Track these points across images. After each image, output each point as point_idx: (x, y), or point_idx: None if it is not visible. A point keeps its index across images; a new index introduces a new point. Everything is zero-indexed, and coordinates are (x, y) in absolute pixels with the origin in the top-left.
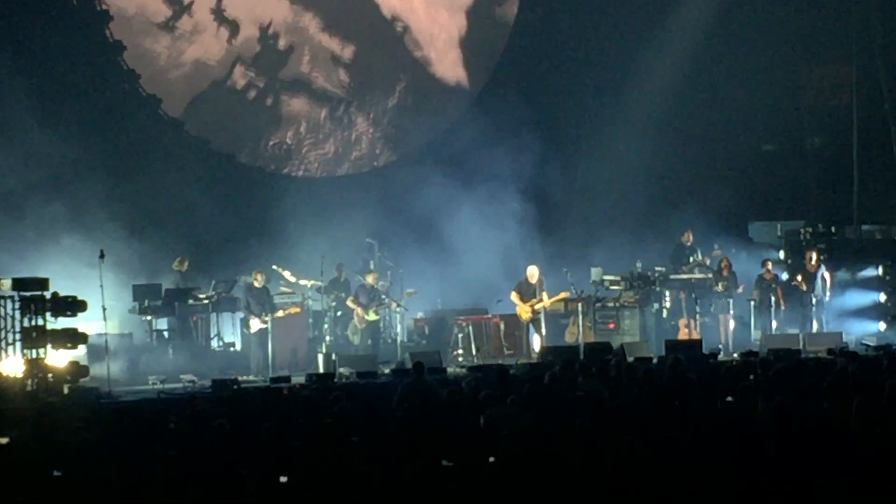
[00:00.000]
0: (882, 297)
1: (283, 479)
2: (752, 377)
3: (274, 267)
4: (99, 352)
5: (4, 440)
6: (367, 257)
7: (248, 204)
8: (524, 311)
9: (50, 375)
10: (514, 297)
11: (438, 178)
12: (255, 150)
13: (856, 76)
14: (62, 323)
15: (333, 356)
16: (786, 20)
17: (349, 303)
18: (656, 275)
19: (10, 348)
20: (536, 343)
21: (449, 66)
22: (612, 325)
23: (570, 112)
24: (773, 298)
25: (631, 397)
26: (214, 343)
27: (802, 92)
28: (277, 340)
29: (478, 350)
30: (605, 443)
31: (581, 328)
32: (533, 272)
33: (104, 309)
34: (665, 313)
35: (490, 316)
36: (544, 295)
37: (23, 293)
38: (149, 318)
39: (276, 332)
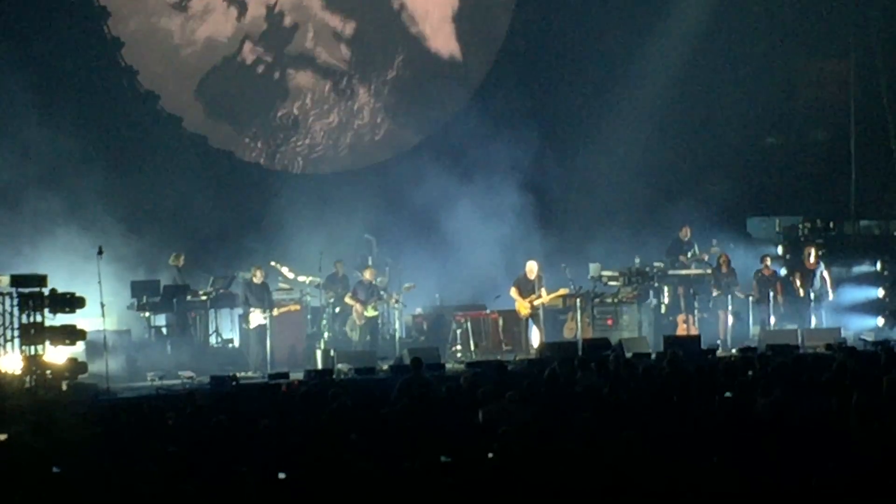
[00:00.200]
0: (880, 293)
1: (281, 475)
2: (750, 372)
3: (272, 263)
4: (97, 348)
5: (3, 436)
6: (366, 253)
7: (246, 199)
8: (523, 307)
9: (48, 372)
10: (512, 292)
11: (436, 171)
12: (265, 121)
13: (854, 71)
14: (60, 319)
15: (332, 352)
16: (783, 14)
17: (348, 299)
18: (655, 270)
19: (9, 345)
20: (535, 339)
21: (443, 40)
22: (610, 321)
23: (568, 106)
24: (771, 294)
25: (629, 393)
26: (213, 339)
27: (800, 87)
28: (276, 337)
29: (476, 346)
30: (603, 438)
31: (579, 324)
32: (532, 267)
33: (102, 305)
34: (663, 309)
35: (488, 312)
36: (543, 290)
37: (21, 289)
38: (147, 314)
39: (274, 328)
